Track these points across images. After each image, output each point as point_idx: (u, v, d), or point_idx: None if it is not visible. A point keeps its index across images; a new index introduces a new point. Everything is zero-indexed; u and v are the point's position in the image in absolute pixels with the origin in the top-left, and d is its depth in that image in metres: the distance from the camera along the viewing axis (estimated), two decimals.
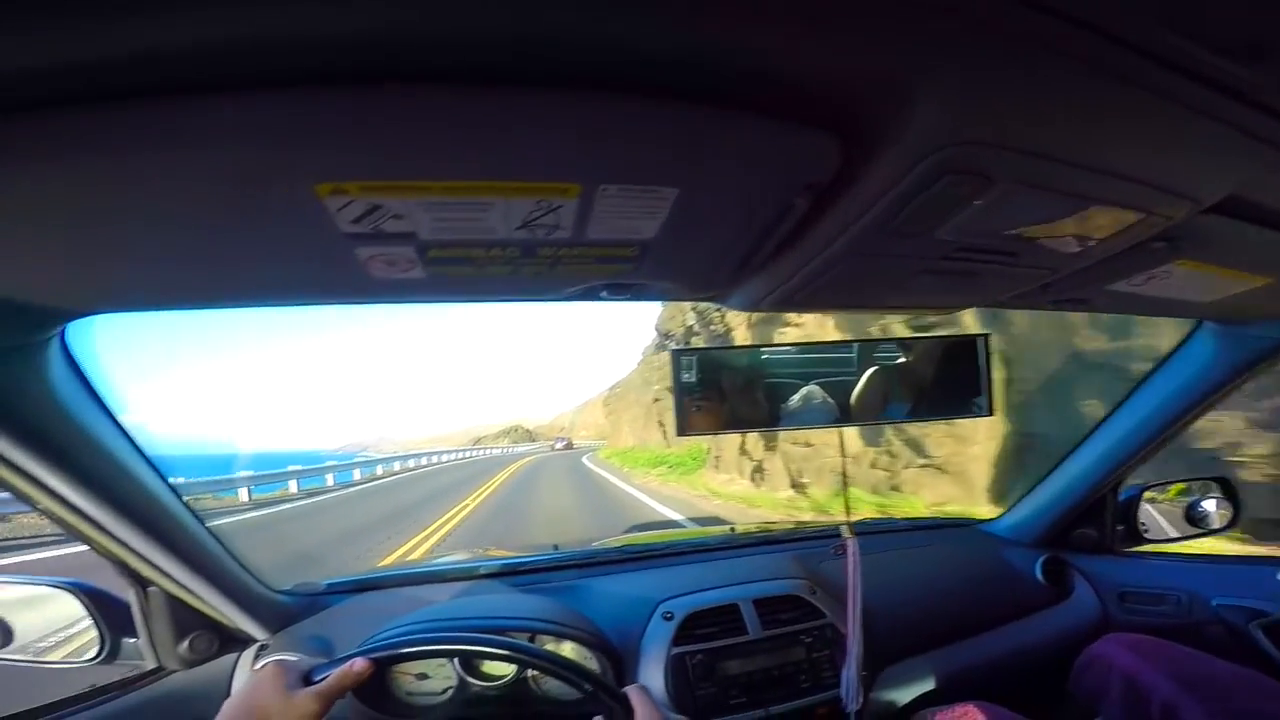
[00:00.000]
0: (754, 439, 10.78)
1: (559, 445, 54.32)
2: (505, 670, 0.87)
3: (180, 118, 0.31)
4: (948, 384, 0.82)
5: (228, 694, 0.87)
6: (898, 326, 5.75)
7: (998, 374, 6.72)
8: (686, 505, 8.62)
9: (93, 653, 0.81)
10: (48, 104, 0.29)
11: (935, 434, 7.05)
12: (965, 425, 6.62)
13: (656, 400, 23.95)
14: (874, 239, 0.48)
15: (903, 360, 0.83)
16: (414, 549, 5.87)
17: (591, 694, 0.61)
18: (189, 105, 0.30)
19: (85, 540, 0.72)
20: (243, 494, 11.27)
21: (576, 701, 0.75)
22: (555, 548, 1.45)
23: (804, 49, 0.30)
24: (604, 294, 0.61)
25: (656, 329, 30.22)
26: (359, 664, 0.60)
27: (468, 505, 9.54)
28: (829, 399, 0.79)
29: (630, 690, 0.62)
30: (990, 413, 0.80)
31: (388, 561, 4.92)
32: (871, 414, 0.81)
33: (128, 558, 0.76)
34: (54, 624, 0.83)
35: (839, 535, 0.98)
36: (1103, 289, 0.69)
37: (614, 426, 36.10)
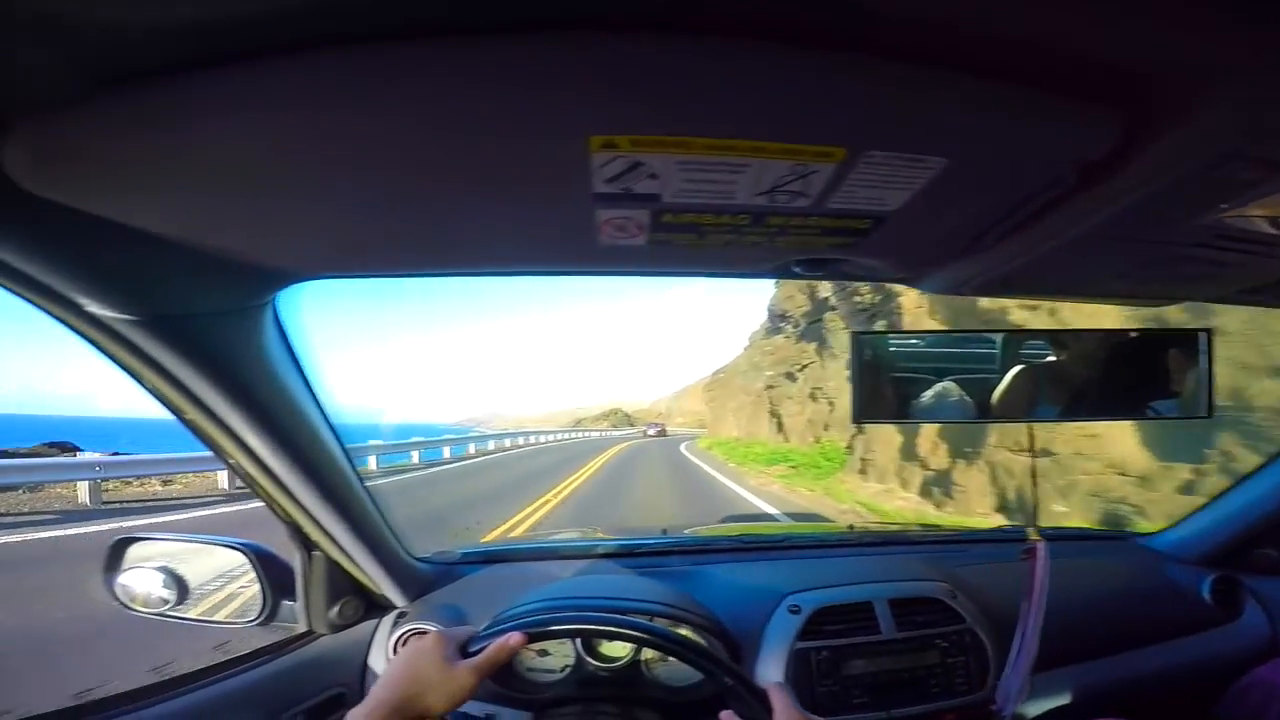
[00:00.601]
0: (931, 441, 7.81)
1: (651, 431, 50.90)
2: (622, 652, 0.89)
3: (455, 61, 0.30)
4: (1135, 380, 0.76)
5: (365, 660, 0.91)
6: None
7: None
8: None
9: (254, 614, 0.86)
10: (292, 48, 0.29)
11: None
12: None
13: (770, 388, 21.09)
14: (1129, 222, 0.47)
15: (1058, 356, 0.76)
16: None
17: (730, 688, 0.60)
18: (467, 47, 0.29)
19: (267, 499, 0.78)
20: None
21: (690, 687, 0.86)
22: (664, 532, 1.48)
23: (1105, 29, 0.29)
24: (797, 270, 0.61)
25: (770, 309, 27.24)
26: (515, 638, 0.61)
27: (549, 502, 8.41)
28: (966, 397, 0.74)
29: (771, 688, 0.59)
30: (1209, 414, 0.72)
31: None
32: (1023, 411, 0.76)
33: (303, 521, 0.80)
34: (207, 575, 0.88)
35: (1009, 539, 1.24)
36: None
37: (715, 415, 33.56)
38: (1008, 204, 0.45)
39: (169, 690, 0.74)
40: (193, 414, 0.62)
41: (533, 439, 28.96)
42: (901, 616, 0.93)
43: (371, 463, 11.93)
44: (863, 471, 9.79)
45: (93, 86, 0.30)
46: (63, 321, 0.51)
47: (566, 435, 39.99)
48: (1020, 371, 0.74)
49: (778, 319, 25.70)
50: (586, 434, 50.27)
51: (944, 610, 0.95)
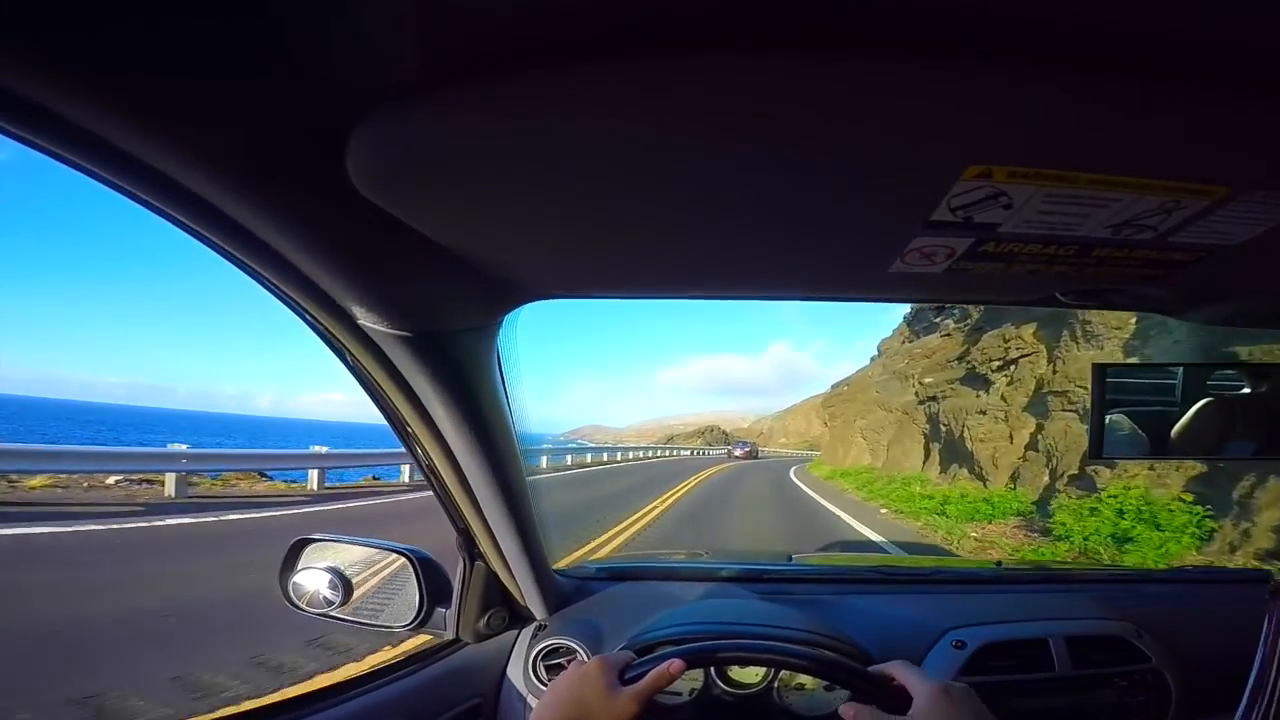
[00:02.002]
0: None
1: (738, 452, 37.63)
2: (754, 678, 0.87)
3: (837, 76, 0.29)
4: None
5: (504, 670, 0.94)
6: None
7: None
8: None
9: (409, 618, 0.88)
10: (633, 51, 0.28)
11: None
12: None
13: (930, 400, 15.22)
14: None
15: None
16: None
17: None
18: (862, 64, 0.28)
19: (450, 505, 0.81)
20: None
21: (825, 717, 0.84)
22: (789, 558, 1.46)
23: None
24: (1067, 298, 0.60)
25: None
26: (675, 665, 0.60)
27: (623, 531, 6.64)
28: (1139, 430, 0.74)
29: (950, 688, 0.56)
30: None
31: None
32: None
33: (478, 530, 0.84)
34: (372, 578, 0.93)
35: (1189, 581, 1.27)
36: None
37: (838, 436, 27.32)
38: None
39: (328, 699, 0.78)
40: (414, 423, 0.67)
41: (625, 455, 27.41)
42: (1078, 655, 0.92)
43: None
44: None
45: (435, 77, 0.30)
46: (323, 331, 0.54)
47: (656, 452, 35.11)
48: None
49: (932, 312, 19.78)
50: (679, 451, 44.07)
51: (1127, 650, 0.94)
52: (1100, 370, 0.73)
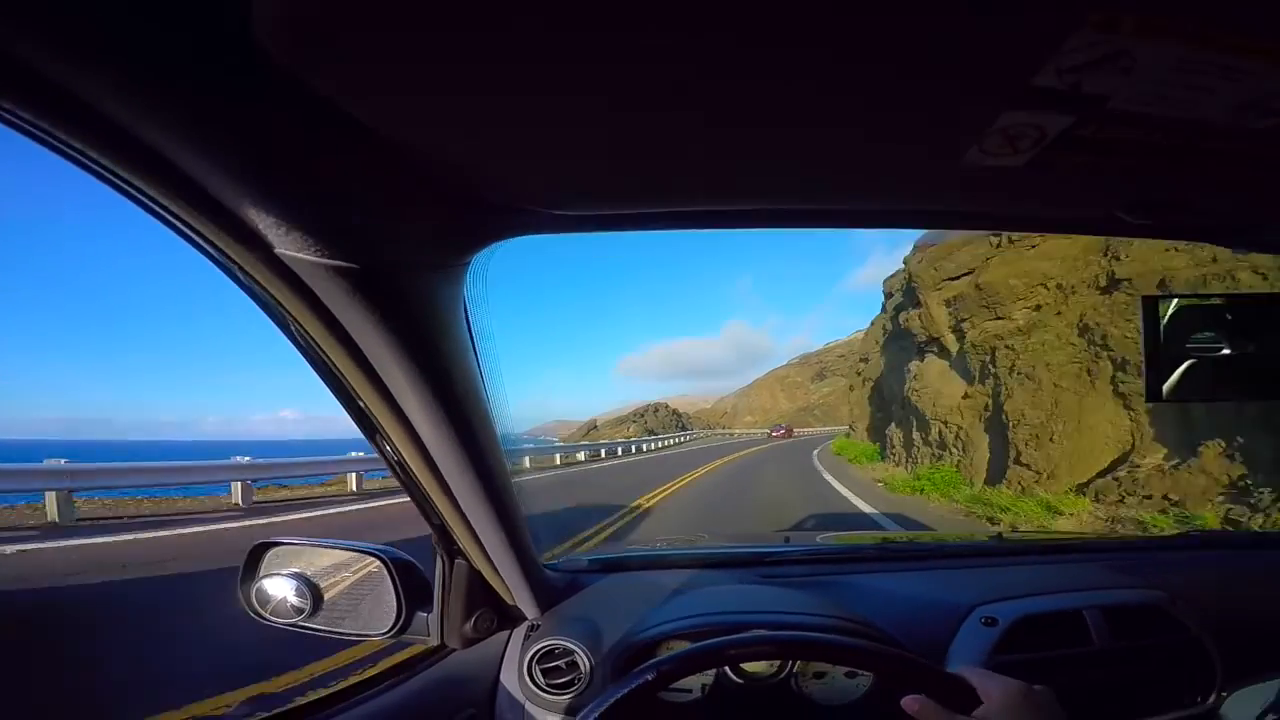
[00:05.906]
0: None
1: None
2: (768, 668, 0.85)
3: None
4: None
5: (496, 676, 0.89)
6: None
7: None
8: None
9: (387, 625, 0.81)
10: None
11: None
12: None
13: None
14: None
15: None
16: None
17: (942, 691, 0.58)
18: None
19: (419, 496, 0.71)
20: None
21: (844, 706, 0.82)
22: (787, 540, 1.44)
23: None
24: (1133, 215, 0.54)
25: None
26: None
27: None
28: (1202, 369, 0.72)
29: (1032, 690, 0.56)
30: None
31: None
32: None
33: (454, 523, 0.74)
34: (342, 583, 0.84)
35: (1213, 544, 1.19)
36: None
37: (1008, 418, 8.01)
38: None
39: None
40: (366, 391, 0.54)
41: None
42: (1115, 626, 0.89)
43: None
44: None
45: None
46: (230, 265, 0.42)
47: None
48: None
49: None
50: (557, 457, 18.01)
51: (1164, 619, 0.91)
52: (1152, 304, 0.69)
